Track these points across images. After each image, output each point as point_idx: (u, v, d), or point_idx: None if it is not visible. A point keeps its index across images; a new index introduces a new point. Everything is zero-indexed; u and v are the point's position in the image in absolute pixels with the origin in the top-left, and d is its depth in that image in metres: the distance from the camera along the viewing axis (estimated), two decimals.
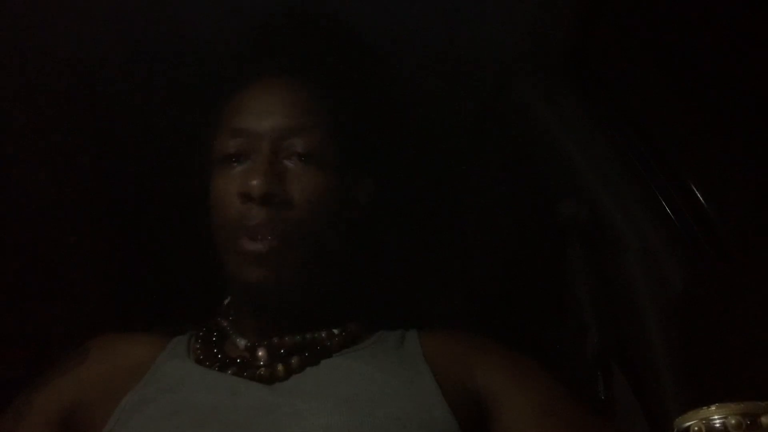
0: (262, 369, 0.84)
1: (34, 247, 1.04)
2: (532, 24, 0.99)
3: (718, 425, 0.47)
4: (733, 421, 0.46)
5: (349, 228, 0.92)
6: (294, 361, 0.84)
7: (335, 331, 0.89)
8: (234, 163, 0.88)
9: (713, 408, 0.47)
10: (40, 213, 1.03)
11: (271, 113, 0.88)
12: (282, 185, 0.85)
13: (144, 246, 1.10)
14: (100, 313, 1.06)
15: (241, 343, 0.88)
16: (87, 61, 0.97)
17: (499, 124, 1.08)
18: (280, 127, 0.87)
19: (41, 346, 0.99)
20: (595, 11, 0.97)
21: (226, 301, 0.95)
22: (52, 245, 1.06)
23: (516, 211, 1.11)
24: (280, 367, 0.83)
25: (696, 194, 0.91)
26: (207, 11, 0.93)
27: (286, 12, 0.94)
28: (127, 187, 1.08)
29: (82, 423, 0.84)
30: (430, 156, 1.09)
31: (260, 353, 0.86)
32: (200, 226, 0.92)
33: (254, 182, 0.83)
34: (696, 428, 0.47)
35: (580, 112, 1.01)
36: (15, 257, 1.03)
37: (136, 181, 1.07)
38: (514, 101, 1.05)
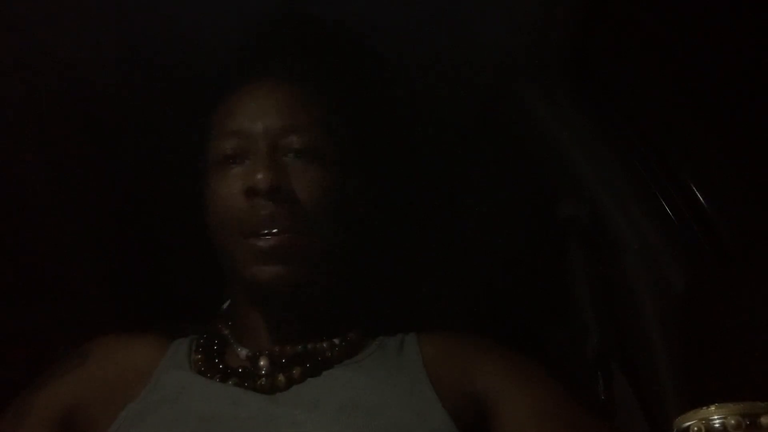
0: (263, 379, 0.83)
1: (34, 247, 1.04)
2: (533, 25, 0.99)
3: (717, 425, 0.47)
4: (732, 422, 0.46)
5: (350, 226, 0.92)
6: (296, 372, 0.84)
7: (336, 341, 0.89)
8: (232, 164, 0.87)
9: (713, 408, 0.47)
10: (39, 213, 1.03)
11: (264, 114, 0.88)
12: (285, 179, 0.85)
13: (144, 246, 1.10)
14: (100, 313, 1.06)
15: (243, 352, 0.88)
16: (86, 62, 0.97)
17: (499, 124, 1.08)
18: (275, 126, 0.87)
19: (41, 346, 0.99)
20: (595, 12, 0.97)
21: (225, 305, 0.95)
22: (52, 245, 1.05)
23: (516, 211, 1.11)
24: (281, 377, 0.83)
25: (696, 194, 0.91)
26: (204, 12, 0.93)
27: (279, 13, 0.94)
28: (127, 187, 1.08)
29: (82, 424, 0.84)
30: (430, 156, 1.09)
31: (262, 363, 0.86)
32: (200, 226, 0.92)
33: (259, 176, 0.83)
34: (695, 428, 0.47)
35: (580, 112, 1.01)
36: (15, 257, 1.03)
37: (136, 180, 1.07)
38: (515, 102, 1.05)
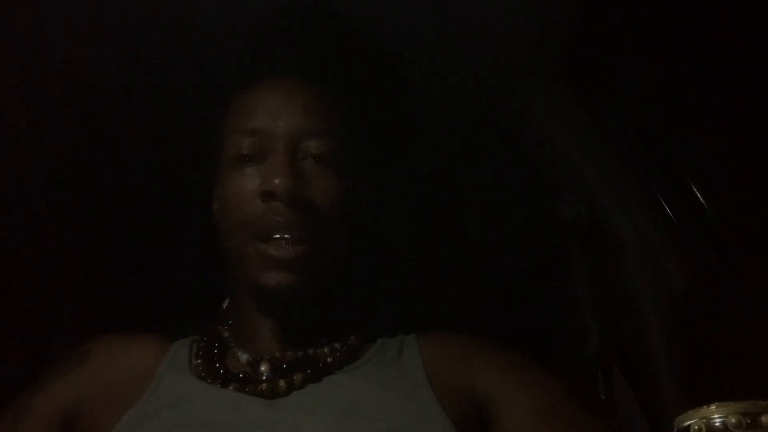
0: (264, 384, 0.83)
1: (34, 247, 1.04)
2: (533, 26, 0.99)
3: (718, 424, 0.47)
4: (733, 420, 0.46)
5: (357, 232, 0.92)
6: (296, 377, 0.84)
7: (337, 345, 0.88)
8: (247, 163, 0.86)
9: (713, 407, 0.48)
10: (40, 212, 1.03)
11: (285, 114, 0.87)
12: (302, 185, 0.84)
13: (144, 245, 1.10)
14: (100, 313, 1.06)
15: (243, 357, 0.87)
16: (87, 60, 0.97)
17: (500, 125, 1.08)
18: (295, 128, 0.86)
19: (41, 346, 0.99)
20: (595, 12, 0.97)
21: (224, 304, 0.95)
22: (52, 245, 1.05)
23: (516, 211, 1.11)
24: (281, 383, 0.83)
25: (696, 194, 0.91)
26: (215, 8, 0.93)
27: (294, 11, 0.94)
28: (128, 186, 1.08)
29: (82, 425, 0.84)
30: (430, 157, 1.09)
31: (263, 368, 0.86)
32: (201, 225, 0.91)
33: (277, 180, 0.82)
34: (696, 427, 0.48)
35: (579, 111, 1.01)
36: (15, 257, 1.03)
37: (137, 179, 1.07)
38: (516, 103, 1.05)
